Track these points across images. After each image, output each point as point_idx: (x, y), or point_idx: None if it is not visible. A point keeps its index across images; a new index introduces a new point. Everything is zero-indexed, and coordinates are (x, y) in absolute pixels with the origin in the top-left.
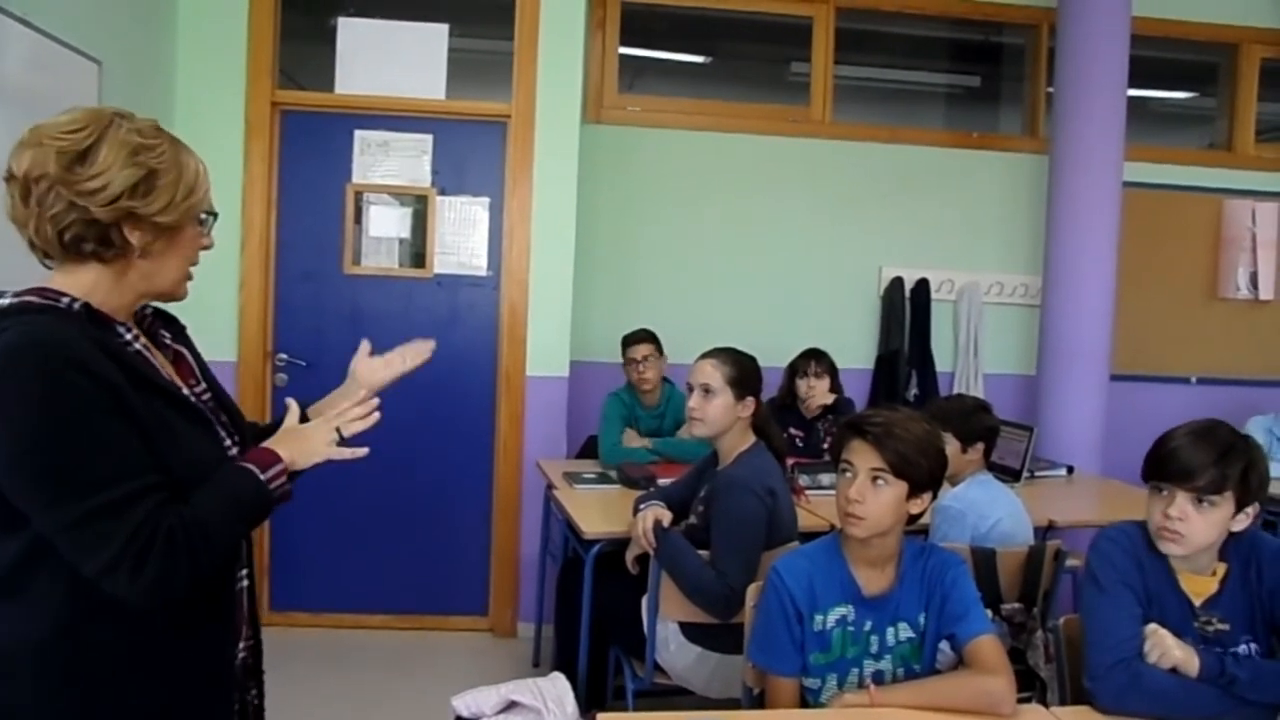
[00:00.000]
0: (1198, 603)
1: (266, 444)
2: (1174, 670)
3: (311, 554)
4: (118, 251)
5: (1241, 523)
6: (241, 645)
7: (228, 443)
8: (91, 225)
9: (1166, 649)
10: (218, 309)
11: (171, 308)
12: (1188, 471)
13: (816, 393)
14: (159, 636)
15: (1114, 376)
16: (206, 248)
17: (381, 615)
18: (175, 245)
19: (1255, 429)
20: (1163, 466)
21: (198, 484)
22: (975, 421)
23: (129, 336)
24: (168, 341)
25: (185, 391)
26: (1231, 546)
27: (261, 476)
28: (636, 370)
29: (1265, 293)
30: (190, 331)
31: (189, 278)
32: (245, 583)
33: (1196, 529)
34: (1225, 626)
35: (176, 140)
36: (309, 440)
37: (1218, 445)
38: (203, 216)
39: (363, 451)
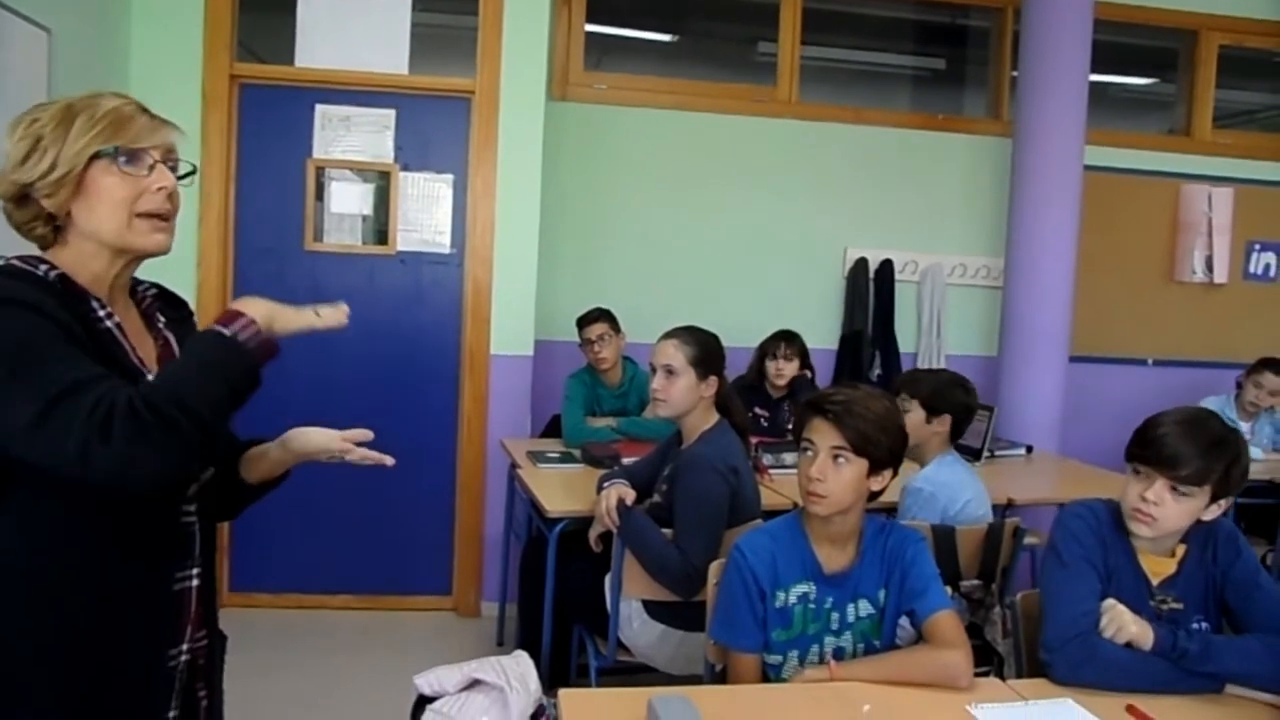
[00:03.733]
0: (1155, 582)
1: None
2: (1129, 644)
3: (272, 533)
4: (46, 222)
5: (1213, 513)
6: (186, 646)
7: None
8: (15, 210)
9: (1123, 624)
10: (175, 286)
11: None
12: (1173, 460)
13: (785, 374)
14: (73, 630)
15: (1073, 358)
16: (161, 190)
17: (344, 595)
18: (91, 193)
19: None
20: (1148, 450)
21: None
22: (948, 395)
23: (101, 313)
24: (161, 326)
25: (147, 376)
26: (1192, 530)
27: (225, 331)
28: (593, 350)
29: (1220, 276)
30: None
31: (161, 230)
32: (195, 582)
33: (1170, 514)
34: (1179, 606)
35: (92, 95)
36: (285, 308)
37: (1206, 438)
38: (110, 151)
39: (341, 318)
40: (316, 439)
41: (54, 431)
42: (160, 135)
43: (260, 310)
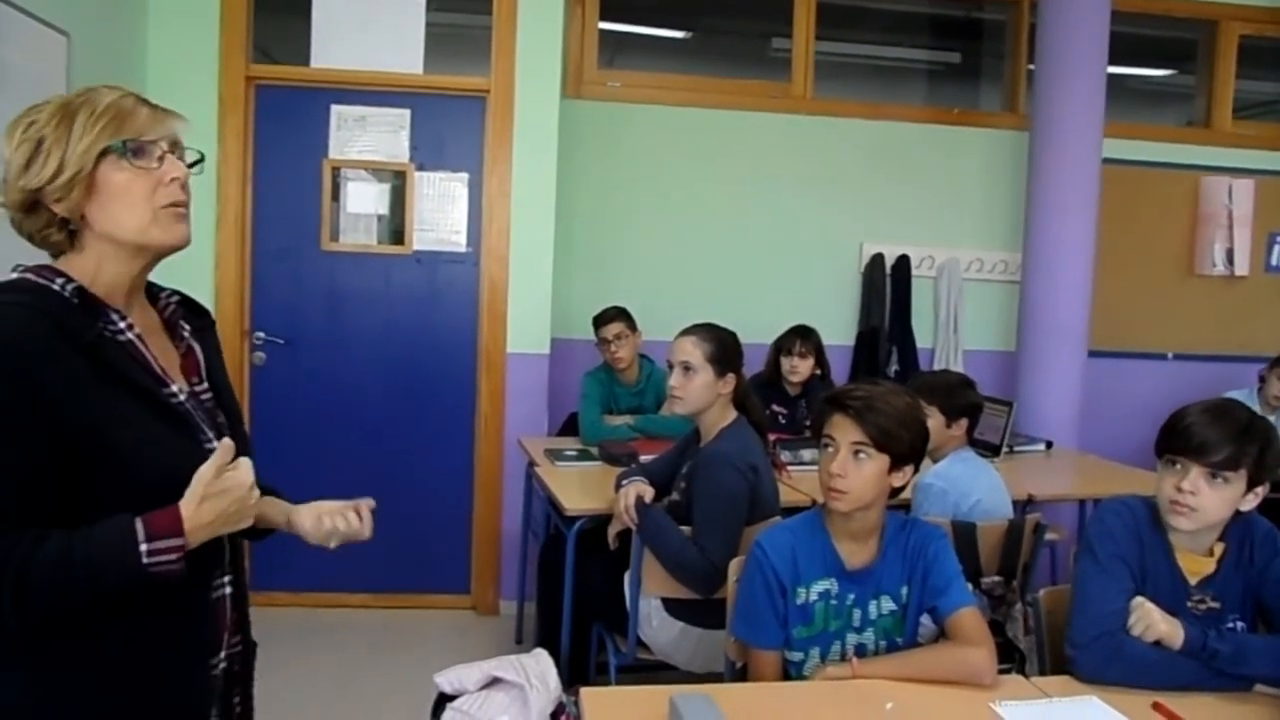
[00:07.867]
0: (1194, 582)
1: (185, 500)
2: (1158, 643)
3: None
4: (60, 228)
5: (1250, 502)
6: (224, 654)
7: (212, 445)
8: (25, 219)
9: (1152, 622)
10: (193, 287)
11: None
12: (1204, 446)
13: (799, 372)
14: (123, 649)
15: (1092, 352)
16: (174, 180)
17: (363, 594)
18: (104, 192)
19: None
20: (1179, 440)
21: (161, 485)
22: (959, 396)
23: (122, 325)
24: (186, 334)
25: (170, 389)
26: (1230, 527)
27: (141, 546)
28: (609, 349)
29: (1241, 269)
30: None
31: (182, 219)
32: (228, 590)
33: (1208, 504)
34: (1217, 605)
35: (87, 91)
36: (242, 504)
37: (1236, 423)
38: (119, 147)
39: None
40: (310, 531)
41: None
42: (165, 126)
43: (200, 519)
